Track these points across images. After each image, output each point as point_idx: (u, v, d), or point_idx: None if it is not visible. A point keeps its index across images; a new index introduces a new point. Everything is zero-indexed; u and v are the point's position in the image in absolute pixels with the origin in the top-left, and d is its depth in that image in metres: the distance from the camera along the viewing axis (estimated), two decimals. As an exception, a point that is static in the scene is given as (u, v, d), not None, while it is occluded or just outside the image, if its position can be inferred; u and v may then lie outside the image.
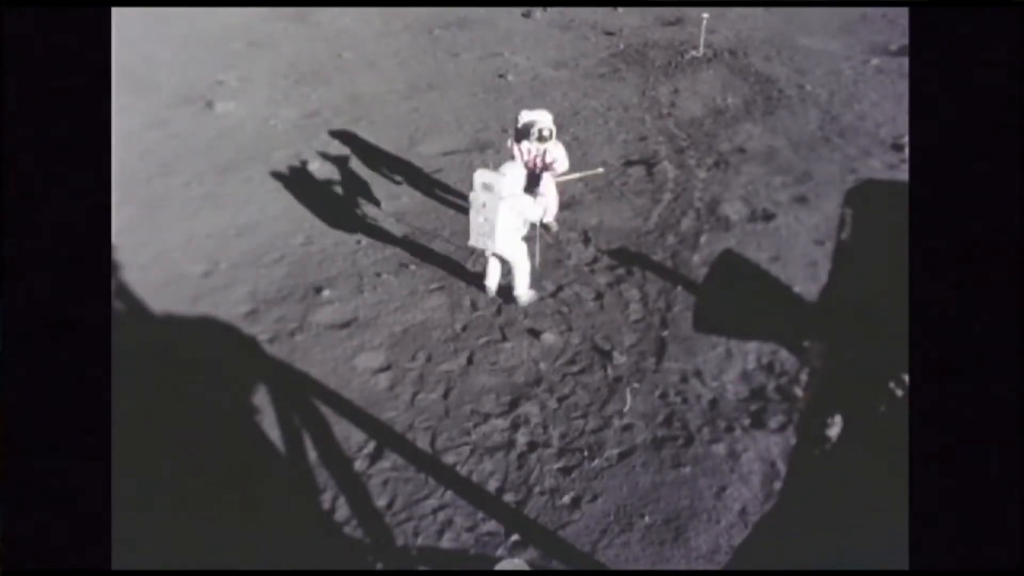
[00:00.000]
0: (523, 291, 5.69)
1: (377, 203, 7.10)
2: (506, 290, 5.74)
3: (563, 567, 3.85)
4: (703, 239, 6.33)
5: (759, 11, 11.48)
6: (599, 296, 5.75)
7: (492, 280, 5.77)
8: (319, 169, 7.74)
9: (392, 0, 12.12)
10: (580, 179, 6.69)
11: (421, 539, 3.99)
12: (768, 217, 6.57)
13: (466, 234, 5.51)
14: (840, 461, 4.27)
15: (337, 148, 8.15)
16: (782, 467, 4.28)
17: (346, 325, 5.58)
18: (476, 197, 5.29)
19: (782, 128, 8.07)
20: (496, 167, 5.51)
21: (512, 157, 6.08)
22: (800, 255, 6.05)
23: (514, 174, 5.36)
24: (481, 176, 5.27)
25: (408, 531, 4.04)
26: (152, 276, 6.17)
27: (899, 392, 4.21)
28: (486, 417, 4.74)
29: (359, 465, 4.43)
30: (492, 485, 4.29)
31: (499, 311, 5.63)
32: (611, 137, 8.13)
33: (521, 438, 4.58)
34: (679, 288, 5.78)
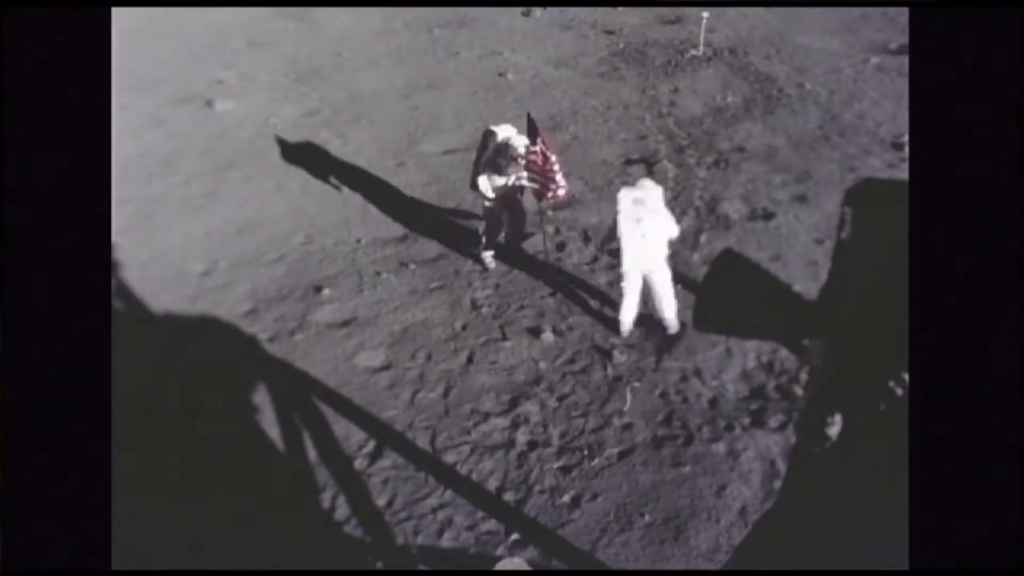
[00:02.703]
0: (673, 317, 5.22)
1: (377, 202, 7.09)
2: (647, 319, 5.30)
3: (563, 566, 3.86)
4: (703, 238, 6.33)
5: (759, 10, 11.46)
6: (599, 295, 5.75)
7: (629, 312, 5.22)
8: (318, 168, 7.73)
9: (392, -1, 12.10)
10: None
11: (421, 538, 4.00)
12: (768, 216, 6.57)
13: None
14: (840, 460, 4.27)
15: (337, 147, 8.14)
16: (782, 466, 4.29)
17: (346, 324, 5.58)
18: (628, 214, 4.89)
19: (782, 127, 8.06)
20: None
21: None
22: (800, 254, 6.04)
23: (656, 189, 5.05)
24: (630, 193, 4.95)
25: (408, 530, 4.05)
26: (152, 275, 6.17)
27: (899, 391, 4.20)
28: (486, 416, 4.74)
29: (359, 464, 4.44)
30: (492, 484, 4.29)
31: (498, 310, 5.63)
32: (611, 136, 8.12)
33: (521, 437, 4.58)
34: (679, 287, 5.77)
